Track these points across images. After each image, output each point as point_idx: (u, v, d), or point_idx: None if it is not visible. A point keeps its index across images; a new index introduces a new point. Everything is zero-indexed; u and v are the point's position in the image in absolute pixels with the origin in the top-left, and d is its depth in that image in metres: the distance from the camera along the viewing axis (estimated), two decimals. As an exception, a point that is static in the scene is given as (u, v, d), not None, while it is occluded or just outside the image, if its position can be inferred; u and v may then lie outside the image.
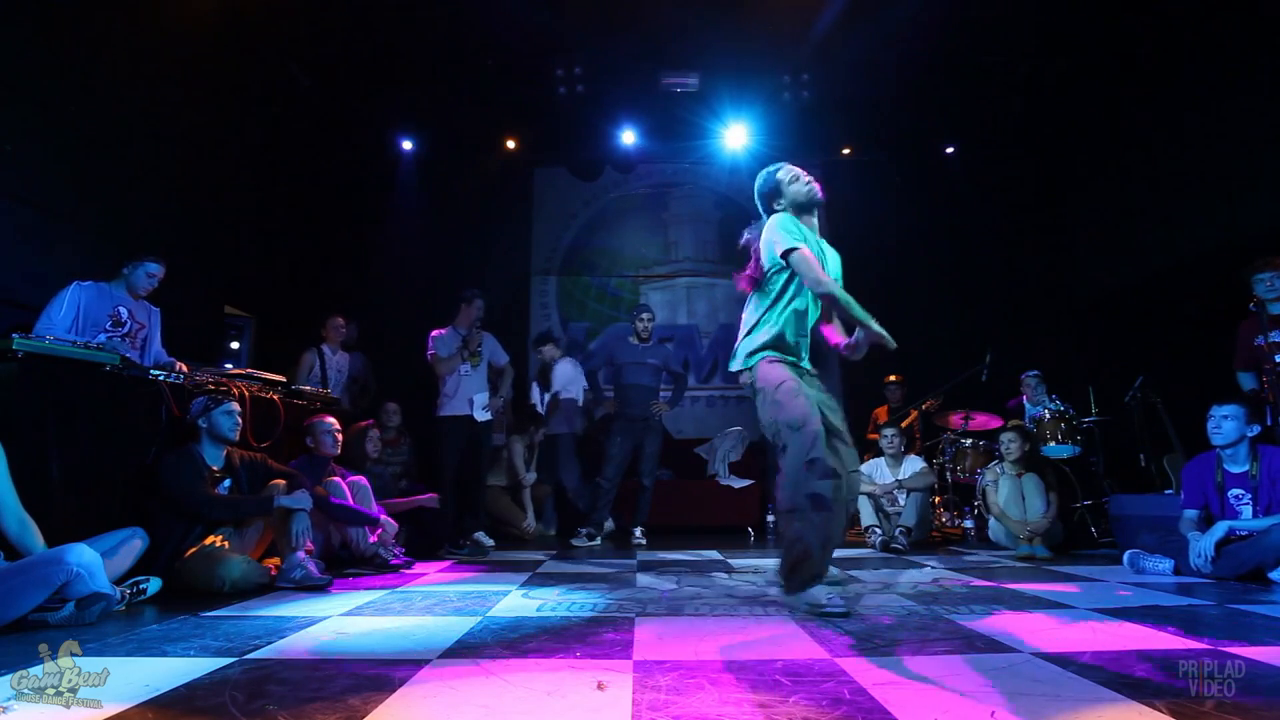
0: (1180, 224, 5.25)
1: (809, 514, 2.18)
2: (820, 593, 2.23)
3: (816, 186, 2.55)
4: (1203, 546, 2.88)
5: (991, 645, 1.77)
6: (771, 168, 2.61)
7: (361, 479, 3.52)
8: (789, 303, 2.46)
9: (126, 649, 1.79)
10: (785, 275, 2.45)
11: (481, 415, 4.49)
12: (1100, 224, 6.17)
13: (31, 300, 3.58)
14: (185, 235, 5.05)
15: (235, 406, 2.96)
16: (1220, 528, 2.89)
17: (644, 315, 4.86)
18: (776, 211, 2.54)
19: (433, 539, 3.90)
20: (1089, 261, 6.32)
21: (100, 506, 2.63)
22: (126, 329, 3.38)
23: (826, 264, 2.51)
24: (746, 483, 5.10)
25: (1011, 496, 4.07)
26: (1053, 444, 4.65)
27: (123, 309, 3.40)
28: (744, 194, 7.99)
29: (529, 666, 1.62)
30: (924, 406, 5.75)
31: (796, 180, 2.55)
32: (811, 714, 1.28)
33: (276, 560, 2.83)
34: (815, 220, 2.59)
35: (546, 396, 5.40)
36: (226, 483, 2.90)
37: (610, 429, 4.81)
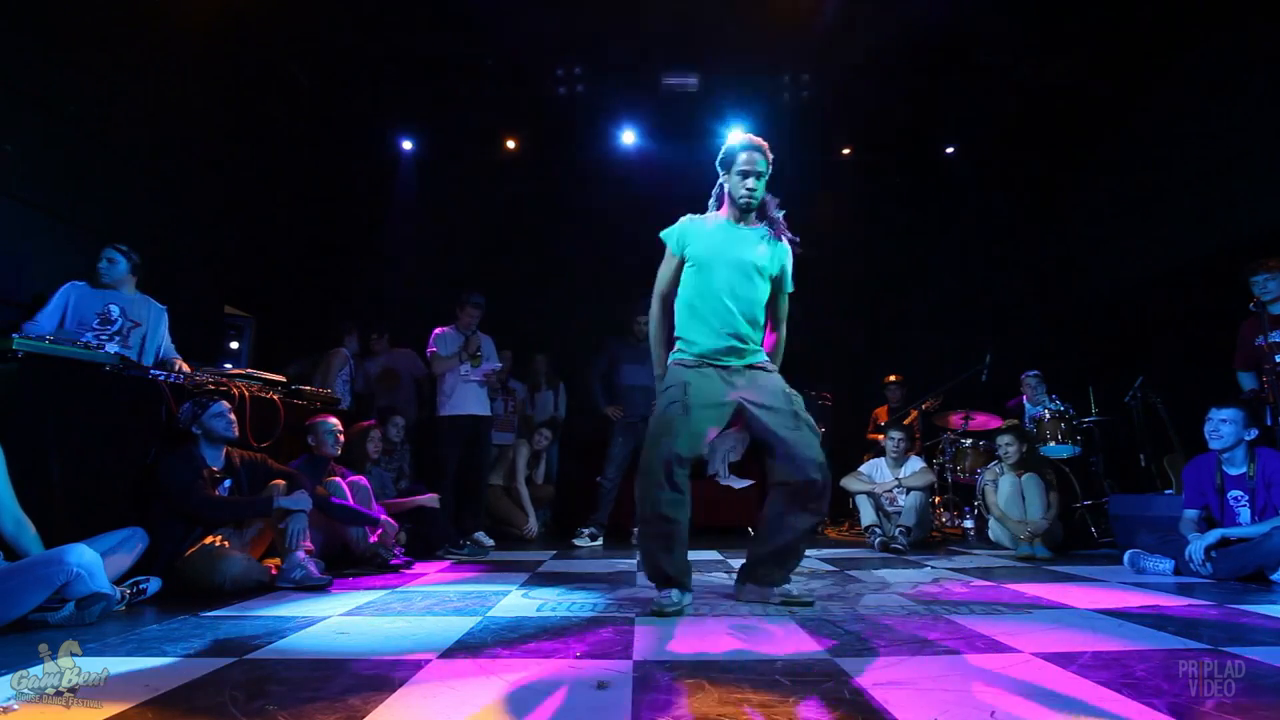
0: (1180, 224, 5.25)
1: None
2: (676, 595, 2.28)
3: (757, 193, 2.42)
4: (1193, 551, 2.89)
5: (991, 645, 1.77)
6: (739, 141, 2.44)
7: (361, 479, 3.52)
8: (685, 295, 2.49)
9: (126, 649, 1.79)
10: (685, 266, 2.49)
11: (475, 375, 4.49)
12: (1100, 224, 6.18)
13: (32, 301, 3.57)
14: (185, 235, 5.05)
15: (225, 406, 2.93)
16: (1213, 534, 2.90)
17: (640, 318, 4.87)
18: (721, 180, 2.51)
19: (433, 539, 3.90)
20: (1089, 261, 6.33)
21: (100, 506, 2.62)
22: (117, 326, 3.31)
23: (719, 264, 2.41)
24: (747, 483, 5.07)
25: (1011, 496, 4.07)
26: (1053, 444, 4.66)
27: (114, 307, 3.33)
28: (744, 194, 8.02)
29: (529, 666, 1.62)
30: (924, 406, 5.76)
31: (744, 177, 2.41)
32: (811, 714, 1.27)
33: (276, 560, 2.83)
34: (752, 216, 2.49)
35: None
36: (227, 483, 2.90)
37: (611, 429, 4.81)
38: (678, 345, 2.49)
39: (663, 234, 2.54)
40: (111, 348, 3.12)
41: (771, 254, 2.47)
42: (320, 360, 4.99)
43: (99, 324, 3.28)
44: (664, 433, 2.30)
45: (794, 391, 2.44)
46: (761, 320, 2.49)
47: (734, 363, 2.42)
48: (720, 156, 2.49)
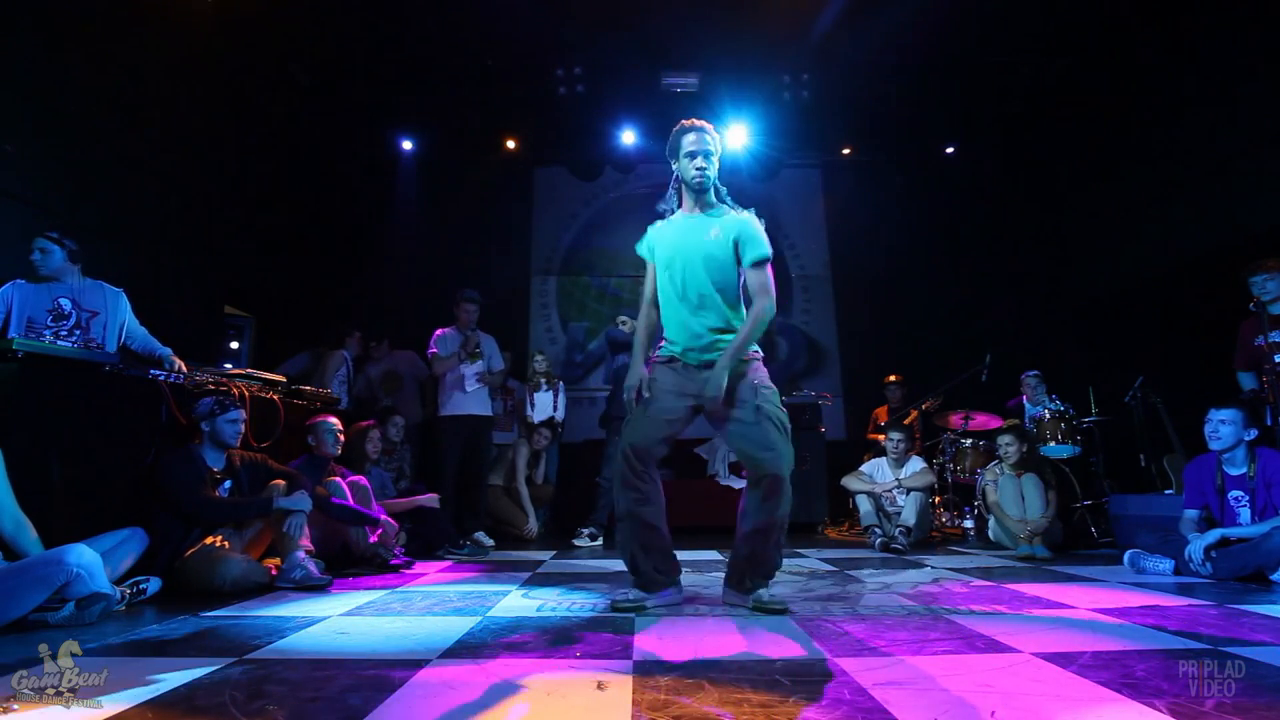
0: (1180, 224, 5.25)
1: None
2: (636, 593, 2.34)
3: (708, 171, 2.40)
4: (1193, 551, 2.89)
5: (991, 645, 1.77)
6: (682, 127, 2.43)
7: (361, 479, 3.52)
8: (663, 303, 2.51)
9: (126, 649, 1.79)
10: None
11: (471, 385, 4.49)
12: (1100, 224, 6.18)
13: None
14: (185, 235, 5.05)
15: (241, 414, 2.96)
16: (1213, 535, 2.90)
17: (619, 319, 4.92)
18: (675, 171, 2.51)
19: (433, 539, 3.90)
20: (1089, 261, 6.33)
21: (100, 506, 2.62)
22: (73, 320, 3.18)
23: (682, 259, 2.40)
24: (746, 483, 5.12)
25: (1011, 496, 4.07)
26: (1053, 444, 4.65)
27: (64, 301, 3.17)
28: (744, 194, 8.02)
29: (529, 667, 1.62)
30: (924, 406, 5.76)
31: (692, 157, 2.40)
32: (811, 714, 1.27)
33: (276, 560, 2.83)
34: (712, 196, 2.47)
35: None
36: (227, 484, 2.90)
37: (609, 429, 4.82)
38: (659, 344, 2.54)
39: (636, 248, 2.57)
40: (71, 341, 3.06)
41: (726, 233, 2.40)
42: (318, 359, 5.01)
43: (53, 321, 3.14)
44: (624, 427, 2.40)
45: (766, 385, 2.35)
46: (729, 308, 2.42)
47: (698, 358, 2.39)
48: (668, 147, 2.49)
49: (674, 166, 2.50)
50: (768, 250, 2.40)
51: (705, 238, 2.41)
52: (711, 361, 2.35)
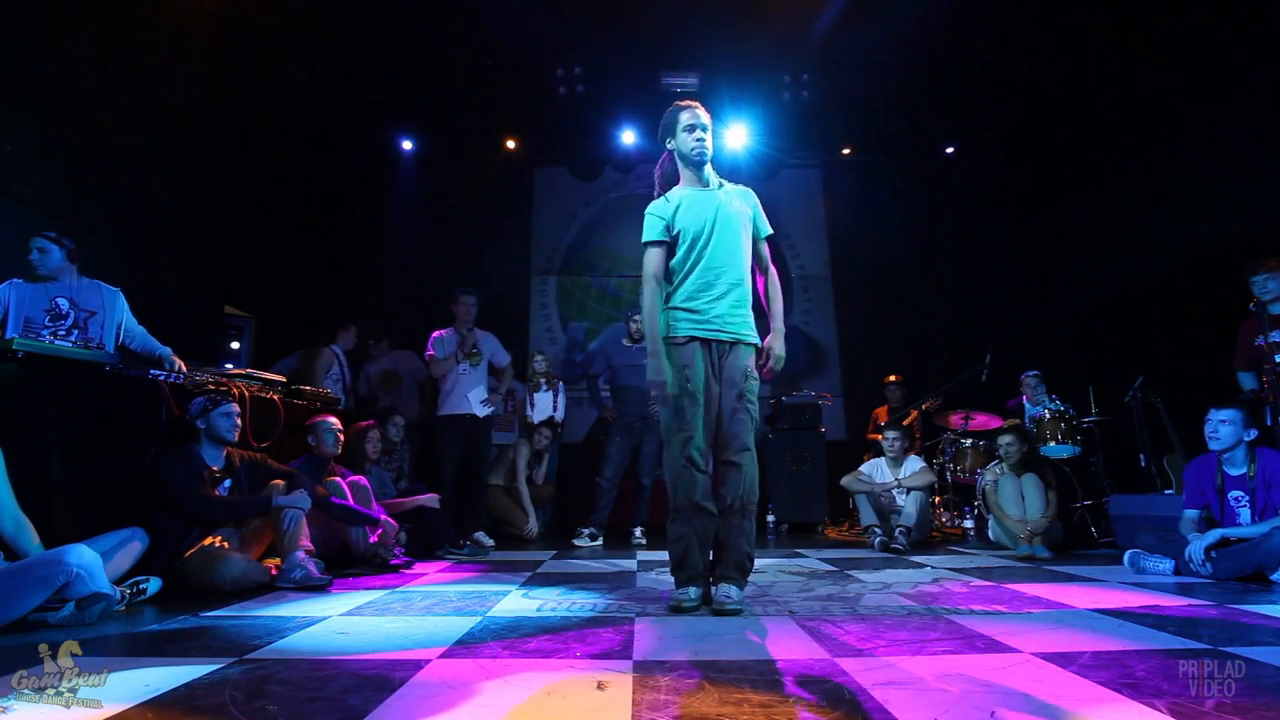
0: (1180, 224, 5.25)
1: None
2: (692, 592, 2.29)
3: (706, 144, 2.43)
4: (1193, 551, 2.89)
5: (991, 645, 1.77)
6: (675, 106, 2.48)
7: (361, 479, 3.52)
8: (684, 268, 2.44)
9: (126, 649, 1.79)
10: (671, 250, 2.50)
11: (481, 410, 4.51)
12: (1100, 224, 6.18)
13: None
14: (185, 235, 5.05)
15: (234, 408, 2.96)
16: (1213, 535, 2.90)
17: (635, 317, 4.87)
18: (668, 149, 2.53)
19: (433, 539, 3.90)
20: (1089, 261, 6.33)
21: (100, 506, 2.62)
22: (70, 320, 3.18)
23: (715, 228, 2.39)
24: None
25: (1011, 496, 4.07)
26: (1053, 444, 4.66)
27: (61, 300, 3.18)
28: (744, 194, 8.04)
29: (529, 666, 1.62)
30: (924, 406, 5.76)
31: (690, 130, 2.44)
32: (811, 714, 1.28)
33: (276, 560, 2.83)
34: (709, 171, 2.50)
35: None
36: (227, 483, 2.91)
37: (608, 429, 4.82)
38: (671, 321, 2.41)
39: (645, 236, 2.45)
40: (68, 340, 3.04)
41: (744, 204, 2.48)
42: (309, 359, 4.98)
43: (50, 320, 3.14)
44: (679, 427, 2.32)
45: (754, 374, 2.40)
46: (750, 278, 2.46)
47: (717, 329, 2.37)
48: (660, 129, 2.51)
49: (668, 145, 2.50)
50: (770, 229, 2.56)
51: (733, 208, 2.44)
52: (731, 333, 2.38)
